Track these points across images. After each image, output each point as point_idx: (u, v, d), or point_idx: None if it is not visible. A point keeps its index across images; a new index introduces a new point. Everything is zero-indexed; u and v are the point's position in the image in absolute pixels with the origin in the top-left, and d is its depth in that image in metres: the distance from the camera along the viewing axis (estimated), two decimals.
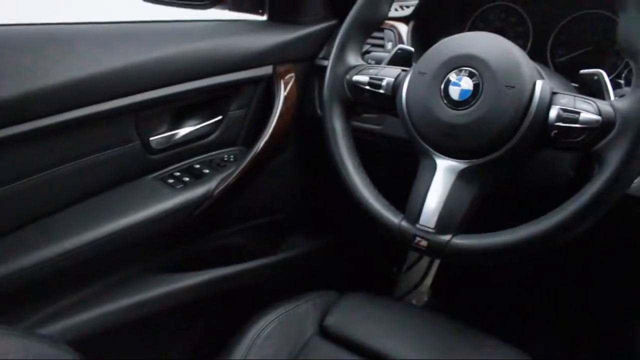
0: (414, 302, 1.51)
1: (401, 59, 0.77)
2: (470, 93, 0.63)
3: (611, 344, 1.17)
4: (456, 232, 0.65)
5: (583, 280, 1.24)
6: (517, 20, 0.97)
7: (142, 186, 0.92)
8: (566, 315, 1.28)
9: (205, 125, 0.99)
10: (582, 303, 1.25)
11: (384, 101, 0.73)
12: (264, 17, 1.07)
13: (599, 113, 0.58)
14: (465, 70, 0.64)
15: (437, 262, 1.56)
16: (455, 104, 0.64)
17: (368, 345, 0.79)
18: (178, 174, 0.96)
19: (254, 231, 1.11)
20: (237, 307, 1.00)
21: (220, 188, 0.94)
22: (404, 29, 1.00)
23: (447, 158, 0.66)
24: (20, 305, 0.79)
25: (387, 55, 0.80)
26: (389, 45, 0.99)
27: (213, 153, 1.01)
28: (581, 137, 0.58)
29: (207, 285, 1.00)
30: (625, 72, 0.87)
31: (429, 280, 1.56)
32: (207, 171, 0.97)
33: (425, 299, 1.52)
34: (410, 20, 1.00)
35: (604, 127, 0.57)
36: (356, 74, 0.75)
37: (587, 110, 0.58)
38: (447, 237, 0.64)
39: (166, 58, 0.87)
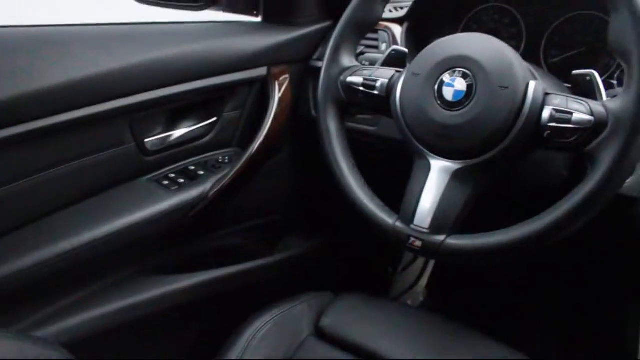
0: (409, 302, 1.51)
1: (395, 60, 0.78)
2: (463, 94, 0.63)
3: (605, 343, 1.18)
4: (450, 232, 0.65)
5: (577, 280, 1.24)
6: (510, 22, 0.97)
7: (137, 188, 0.92)
8: (560, 314, 1.28)
9: (200, 127, 0.99)
10: (575, 302, 1.26)
11: (378, 102, 0.73)
12: (259, 19, 1.07)
13: (592, 113, 0.58)
14: (459, 71, 0.64)
15: (432, 263, 1.56)
16: (449, 105, 0.64)
17: (364, 345, 0.79)
18: (173, 175, 0.96)
19: (249, 232, 1.11)
20: (233, 309, 1.00)
21: (215, 189, 0.94)
22: (398, 30, 1.00)
23: (441, 159, 0.66)
24: (17, 306, 0.79)
25: (381, 57, 0.80)
26: (383, 46, 0.99)
27: (208, 154, 1.01)
28: (574, 138, 0.59)
29: (203, 286, 1.00)
30: (618, 72, 0.87)
31: (424, 281, 1.56)
32: (202, 173, 0.97)
33: (421, 299, 1.52)
34: (404, 22, 1.01)
35: (596, 127, 0.58)
36: (350, 75, 0.75)
37: (580, 111, 0.58)
38: (441, 238, 0.65)
39: (161, 60, 0.87)
